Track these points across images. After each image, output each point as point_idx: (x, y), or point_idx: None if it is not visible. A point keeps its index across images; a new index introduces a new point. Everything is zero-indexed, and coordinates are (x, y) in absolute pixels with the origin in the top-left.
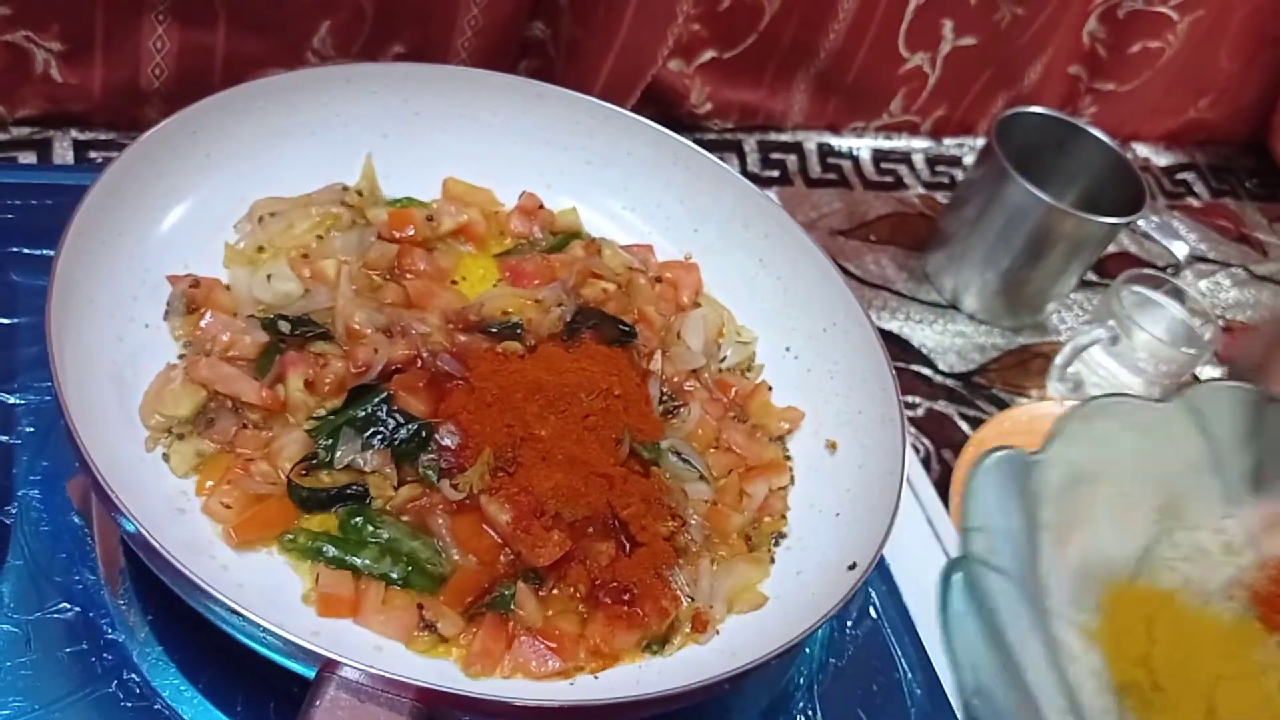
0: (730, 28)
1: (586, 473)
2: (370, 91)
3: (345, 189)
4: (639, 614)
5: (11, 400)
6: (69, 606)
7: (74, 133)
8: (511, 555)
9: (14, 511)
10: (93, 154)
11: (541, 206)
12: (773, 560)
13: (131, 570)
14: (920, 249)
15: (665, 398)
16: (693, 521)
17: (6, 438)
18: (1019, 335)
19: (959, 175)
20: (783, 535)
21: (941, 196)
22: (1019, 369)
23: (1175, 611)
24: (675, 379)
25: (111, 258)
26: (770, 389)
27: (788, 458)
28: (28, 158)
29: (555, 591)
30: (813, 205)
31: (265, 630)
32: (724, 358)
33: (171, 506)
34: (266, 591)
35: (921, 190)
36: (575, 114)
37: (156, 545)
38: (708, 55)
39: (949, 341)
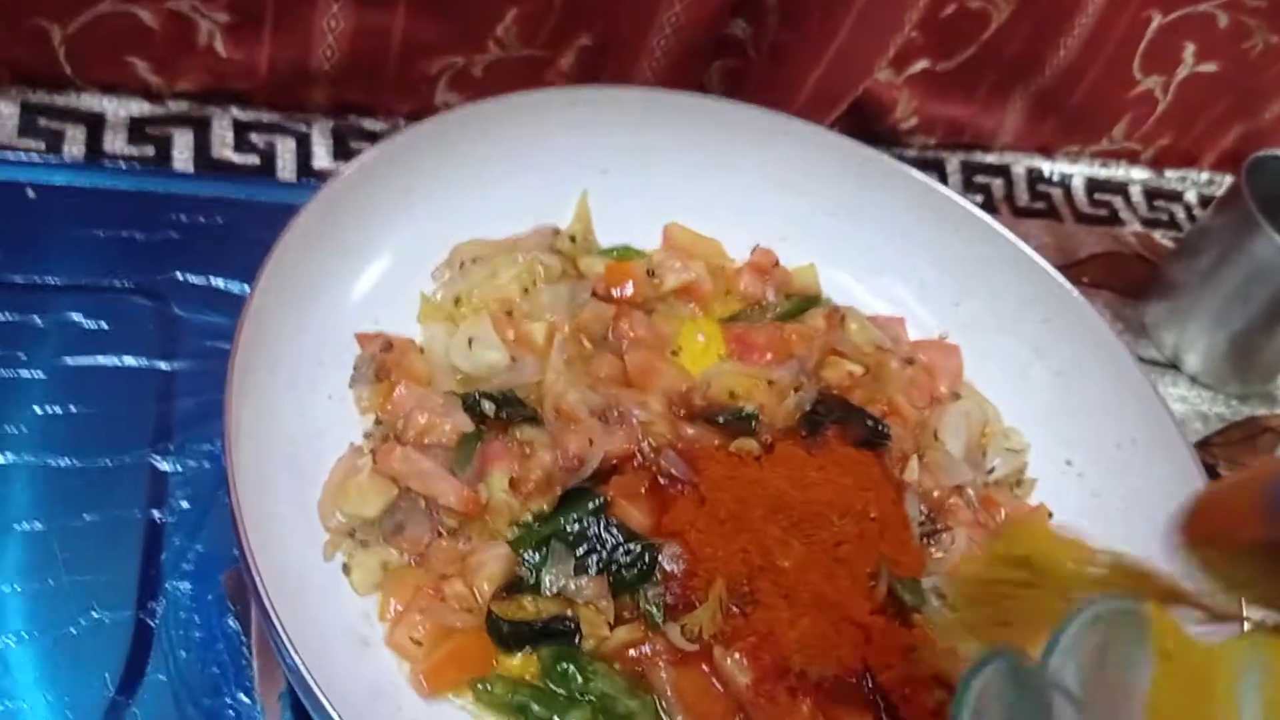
0: (950, 36)
1: (838, 618)
2: (596, 120)
3: (557, 233)
4: None
5: (164, 466)
6: None
7: (234, 111)
8: None
9: (159, 610)
10: (254, 136)
11: (777, 264)
12: None
13: (295, 698)
14: (1136, 296)
15: (923, 519)
16: None
17: (157, 513)
18: (1245, 405)
19: (1179, 213)
20: None
21: (1160, 235)
22: (1245, 444)
23: None
24: (936, 494)
25: (300, 313)
26: (1050, 514)
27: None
28: (183, 135)
29: None
30: (1019, 237)
31: None
32: (991, 468)
33: (353, 635)
34: None
35: (1138, 227)
36: (823, 155)
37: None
38: (919, 66)
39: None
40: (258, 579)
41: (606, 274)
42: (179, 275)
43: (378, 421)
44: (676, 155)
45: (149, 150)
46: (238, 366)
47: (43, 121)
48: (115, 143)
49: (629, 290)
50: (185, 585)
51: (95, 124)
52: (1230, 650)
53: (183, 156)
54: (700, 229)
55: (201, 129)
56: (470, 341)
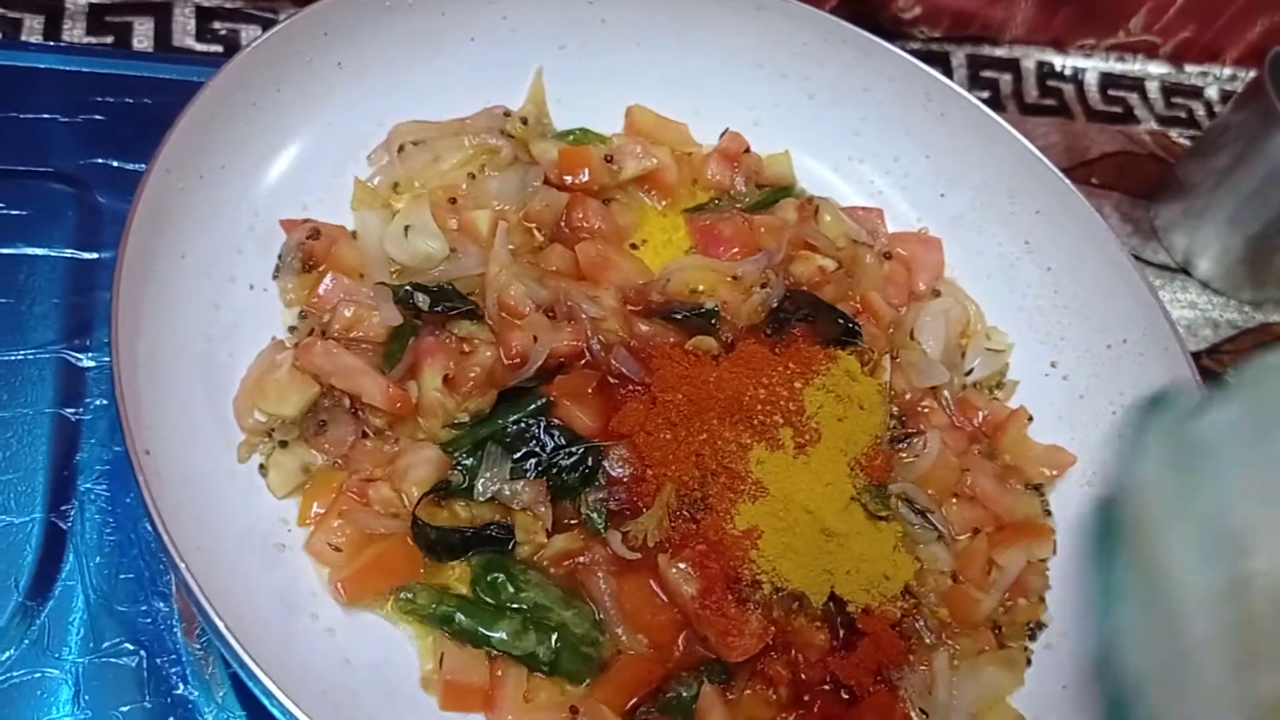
0: None
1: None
2: None
3: (507, 115)
4: None
5: (84, 362)
6: (132, 649)
7: None
8: (694, 638)
9: (72, 513)
10: (216, 24)
11: (747, 150)
12: (1029, 662)
13: None
14: (1150, 197)
15: (894, 422)
16: (928, 602)
17: (71, 411)
18: (1259, 311)
19: (1198, 111)
20: (1042, 626)
21: (1176, 134)
22: (1258, 352)
23: None
24: (908, 396)
25: (212, 196)
26: (1030, 419)
27: (1048, 514)
28: (144, 23)
29: (748, 693)
30: (1026, 135)
31: None
32: (970, 369)
33: (267, 541)
34: (378, 669)
35: (1154, 125)
36: (804, 33)
37: (240, 650)
38: None
39: (1177, 313)
40: (146, 490)
41: (560, 159)
42: (103, 160)
43: (303, 315)
44: (641, 30)
45: (108, 39)
46: (132, 251)
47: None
48: (74, 31)
49: (585, 177)
50: (101, 487)
51: (54, 12)
52: None
53: (142, 46)
54: (666, 112)
55: (164, 16)
56: (407, 230)
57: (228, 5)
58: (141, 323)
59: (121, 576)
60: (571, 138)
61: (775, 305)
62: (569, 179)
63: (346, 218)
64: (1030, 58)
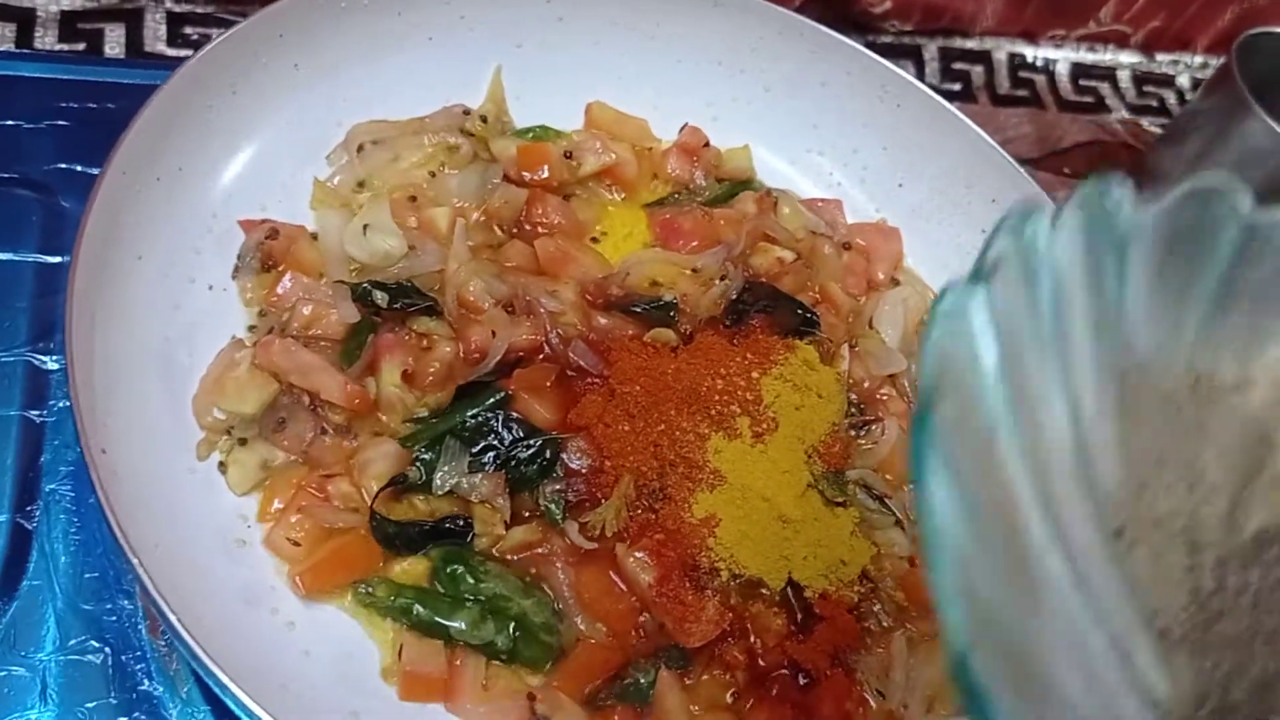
0: None
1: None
2: None
3: (466, 113)
4: (813, 718)
5: (48, 364)
6: (97, 646)
7: (169, 3)
8: (652, 624)
9: (38, 514)
10: (188, 29)
11: (707, 144)
12: None
13: None
14: None
15: (852, 410)
16: (885, 586)
17: (36, 413)
18: None
19: (1170, 99)
20: None
21: (1148, 122)
22: None
23: None
24: (866, 384)
25: (170, 199)
26: None
27: None
28: (115, 29)
29: (705, 678)
30: (998, 127)
31: None
32: None
33: (228, 538)
34: (338, 661)
35: (1125, 114)
36: (760, 28)
37: (192, 641)
38: None
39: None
40: (99, 484)
41: (520, 156)
42: (67, 166)
43: (262, 314)
44: (599, 28)
45: (80, 46)
46: (88, 253)
47: None
48: (46, 39)
49: (544, 174)
50: (66, 488)
51: (26, 20)
52: None
53: (114, 52)
54: (625, 108)
55: (135, 23)
56: (366, 228)
57: (199, 10)
58: (98, 324)
59: (86, 575)
60: (532, 135)
61: (734, 297)
62: (529, 175)
63: (306, 218)
64: (1002, 49)
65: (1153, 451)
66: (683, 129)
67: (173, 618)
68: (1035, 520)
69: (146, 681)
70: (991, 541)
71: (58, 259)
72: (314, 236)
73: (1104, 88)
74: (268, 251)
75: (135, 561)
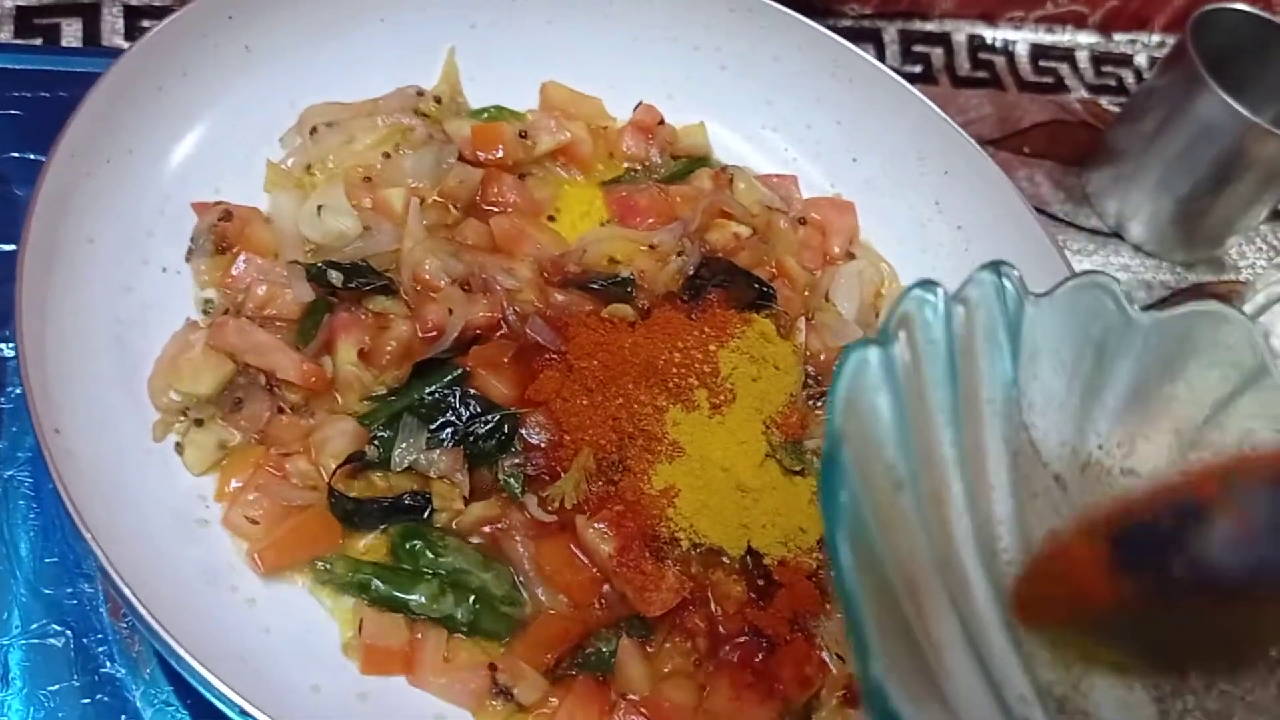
0: None
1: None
2: None
3: (420, 94)
4: (774, 682)
5: (5, 352)
6: (59, 629)
7: None
8: (613, 594)
9: None
10: (145, 22)
11: (662, 122)
12: None
13: None
14: (1081, 164)
15: (809, 381)
16: None
17: None
18: (1191, 272)
19: (1128, 78)
20: None
21: (1107, 102)
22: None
23: None
24: (822, 356)
25: (120, 182)
26: None
27: None
28: (72, 24)
29: (667, 646)
30: (959, 109)
31: None
32: None
33: (187, 518)
34: (299, 637)
35: (1084, 94)
36: (712, 5)
37: (145, 613)
38: None
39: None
40: (52, 463)
41: (474, 136)
42: (19, 155)
43: (212, 299)
44: (552, 7)
45: (37, 41)
46: (37, 237)
47: None
48: (1, 34)
49: (499, 153)
50: (24, 474)
51: None
52: None
53: (71, 46)
54: (580, 87)
55: (92, 18)
56: (320, 209)
57: (156, 3)
58: (48, 307)
59: (46, 560)
60: (487, 115)
61: (692, 272)
62: (484, 155)
63: (260, 200)
64: (961, 31)
65: (1042, 529)
66: (637, 107)
67: (131, 597)
68: (936, 583)
69: (109, 664)
70: (892, 591)
71: (11, 246)
72: (267, 220)
73: (1063, 68)
74: (221, 233)
75: (91, 540)
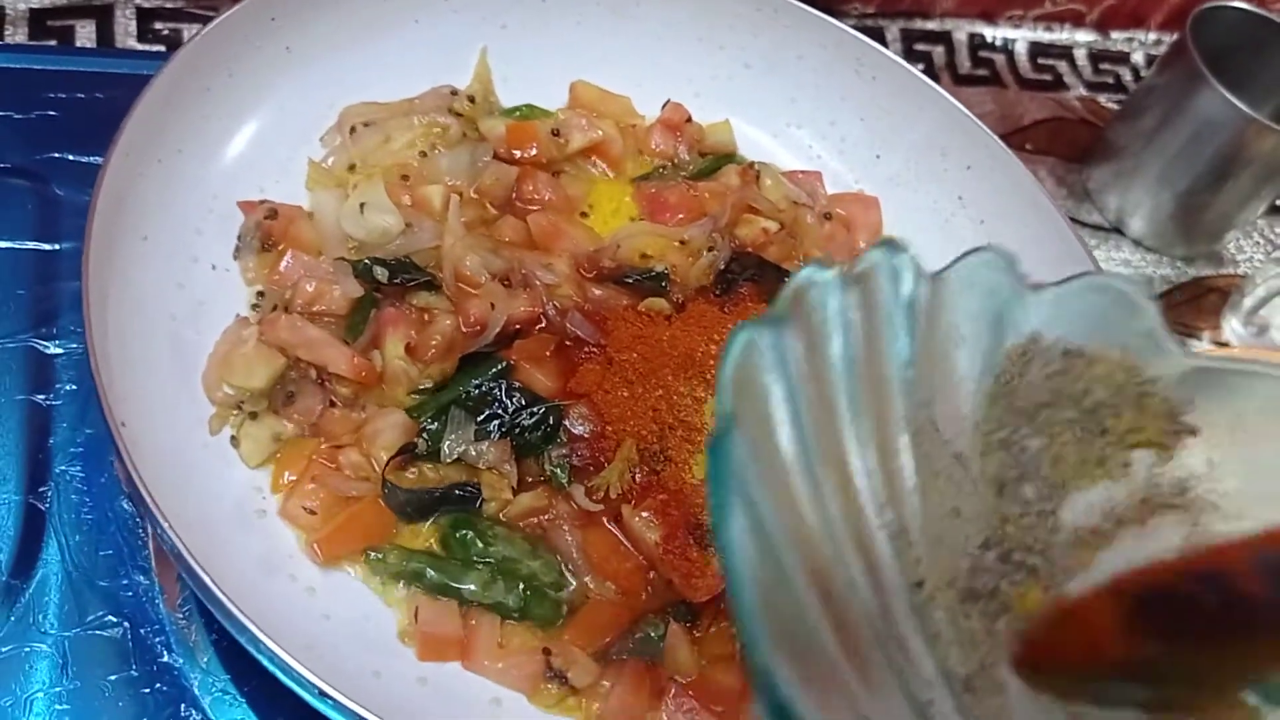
0: None
1: None
2: None
3: (454, 93)
4: None
5: (50, 349)
6: (115, 620)
7: None
8: (659, 581)
9: (50, 495)
10: (158, 24)
11: (689, 120)
12: None
13: None
14: (1081, 160)
15: None
16: None
17: (42, 397)
18: (1190, 266)
19: (1125, 75)
20: None
21: (1105, 99)
22: (1191, 306)
23: None
24: None
25: (171, 181)
26: None
27: None
28: (85, 26)
29: (713, 631)
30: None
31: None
32: None
33: (245, 509)
34: (357, 623)
35: (1083, 91)
36: (737, 6)
37: (228, 604)
38: None
39: (1111, 270)
40: (126, 456)
41: (509, 135)
42: (58, 155)
43: (262, 293)
44: (581, 7)
45: (50, 43)
46: (98, 235)
47: None
48: (16, 36)
49: (533, 151)
50: (76, 469)
51: None
52: None
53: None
54: (609, 85)
55: (105, 19)
56: (362, 207)
57: (168, 5)
58: (109, 304)
59: (101, 553)
60: (518, 114)
61: (723, 267)
62: (518, 153)
63: (302, 198)
64: (961, 30)
65: (944, 507)
66: (665, 105)
67: (203, 575)
68: (840, 568)
69: (166, 654)
70: (788, 571)
71: (54, 246)
72: (310, 217)
73: (1062, 66)
74: (267, 231)
75: (165, 524)
